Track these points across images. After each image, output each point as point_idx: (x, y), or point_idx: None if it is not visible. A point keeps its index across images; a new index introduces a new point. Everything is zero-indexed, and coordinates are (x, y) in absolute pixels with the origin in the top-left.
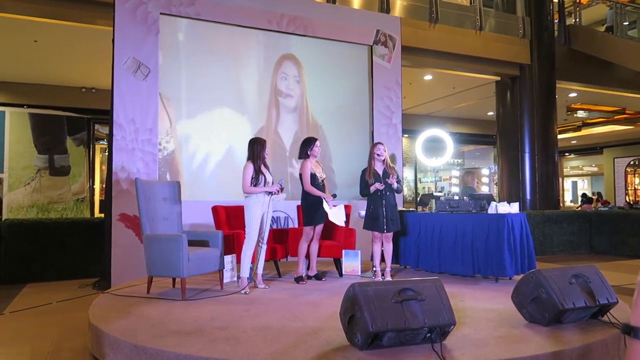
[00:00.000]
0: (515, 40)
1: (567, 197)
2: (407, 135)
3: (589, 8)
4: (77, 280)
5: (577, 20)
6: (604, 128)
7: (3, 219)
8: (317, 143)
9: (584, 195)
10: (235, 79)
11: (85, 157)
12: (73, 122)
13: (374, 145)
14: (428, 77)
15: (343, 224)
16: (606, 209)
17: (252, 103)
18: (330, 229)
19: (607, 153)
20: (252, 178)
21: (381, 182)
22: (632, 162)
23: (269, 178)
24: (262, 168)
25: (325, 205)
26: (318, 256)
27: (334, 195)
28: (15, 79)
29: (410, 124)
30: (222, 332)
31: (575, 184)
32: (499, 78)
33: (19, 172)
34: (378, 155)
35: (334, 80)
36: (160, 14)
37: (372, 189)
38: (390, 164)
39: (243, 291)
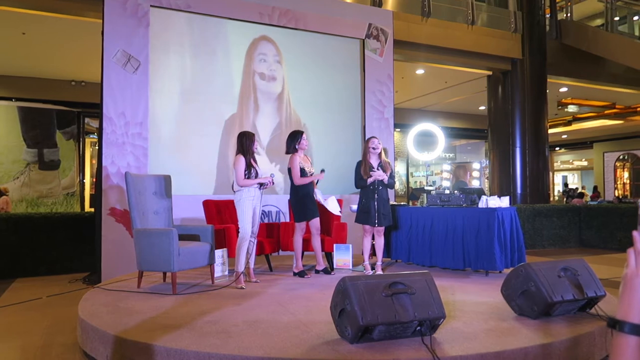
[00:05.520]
0: (507, 34)
1: (557, 191)
2: (399, 130)
3: (580, 3)
4: (67, 275)
5: (569, 15)
6: (594, 123)
7: None
8: (305, 136)
9: (567, 188)
10: (219, 70)
11: (75, 151)
12: (63, 115)
13: (368, 139)
14: (420, 72)
15: (339, 213)
16: (595, 203)
17: (233, 93)
18: (322, 223)
19: (597, 147)
20: (244, 171)
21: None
22: (621, 157)
23: (260, 172)
24: (252, 162)
25: (318, 196)
26: (306, 250)
27: (322, 170)
28: (3, 72)
29: (402, 119)
30: (212, 326)
31: (566, 178)
32: (490, 72)
33: (8, 166)
34: (373, 148)
35: (325, 74)
36: (151, 6)
37: (370, 180)
38: (385, 158)
39: (239, 286)
